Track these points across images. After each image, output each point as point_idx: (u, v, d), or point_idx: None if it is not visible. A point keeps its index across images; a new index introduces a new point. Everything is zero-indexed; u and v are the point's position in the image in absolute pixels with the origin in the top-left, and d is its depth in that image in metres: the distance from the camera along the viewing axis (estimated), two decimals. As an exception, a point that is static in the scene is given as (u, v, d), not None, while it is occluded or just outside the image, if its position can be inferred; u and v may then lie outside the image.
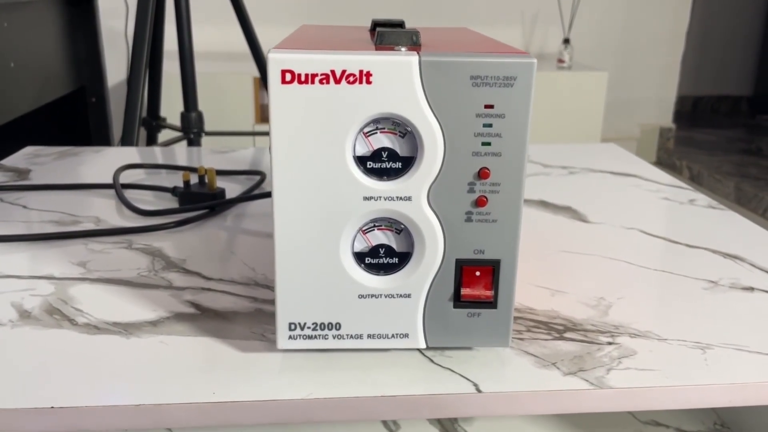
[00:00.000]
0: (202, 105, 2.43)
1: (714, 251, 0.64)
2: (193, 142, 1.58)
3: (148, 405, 0.40)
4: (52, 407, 0.40)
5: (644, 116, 3.28)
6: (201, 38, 2.78)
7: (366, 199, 0.41)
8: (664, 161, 3.25)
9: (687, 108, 4.11)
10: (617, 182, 0.85)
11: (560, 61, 2.87)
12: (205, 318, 0.50)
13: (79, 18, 1.90)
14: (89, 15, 1.91)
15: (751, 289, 0.56)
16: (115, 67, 2.60)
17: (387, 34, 0.42)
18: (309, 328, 0.44)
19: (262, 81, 1.66)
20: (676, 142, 3.38)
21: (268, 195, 0.75)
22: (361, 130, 0.40)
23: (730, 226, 0.70)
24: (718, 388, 0.43)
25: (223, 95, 2.51)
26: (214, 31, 2.78)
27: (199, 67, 2.62)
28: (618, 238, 0.67)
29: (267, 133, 1.70)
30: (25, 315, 0.50)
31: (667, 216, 0.73)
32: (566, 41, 2.87)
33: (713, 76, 4.08)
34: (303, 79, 0.38)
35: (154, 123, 1.65)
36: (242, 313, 0.51)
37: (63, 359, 0.44)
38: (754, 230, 0.69)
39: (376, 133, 0.40)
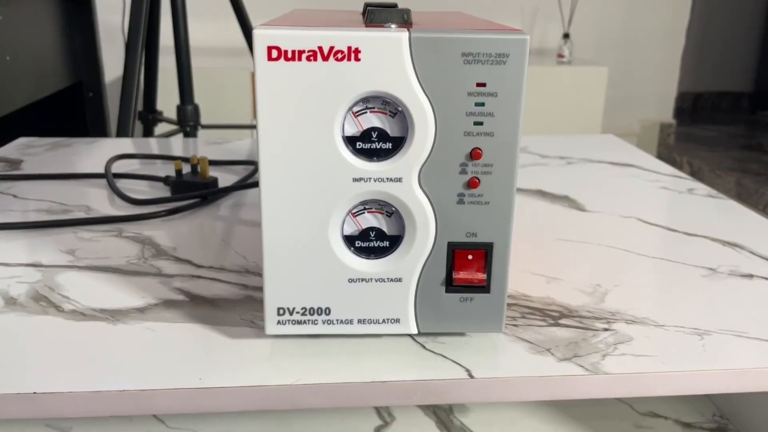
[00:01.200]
0: (200, 100, 2.42)
1: (713, 239, 0.63)
2: (190, 135, 1.57)
3: (133, 391, 0.39)
4: (35, 393, 0.39)
5: (644, 112, 3.27)
6: (199, 33, 2.77)
7: (355, 180, 0.40)
8: (664, 157, 3.24)
9: (688, 104, 4.10)
10: (615, 172, 0.84)
11: (560, 56, 2.86)
12: (194, 305, 0.49)
13: (76, 12, 1.89)
14: (86, 9, 1.90)
15: (751, 276, 0.55)
16: (112, 62, 2.59)
17: (377, 12, 0.41)
18: (298, 313, 0.43)
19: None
20: (676, 138, 3.36)
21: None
22: (350, 109, 0.39)
23: (730, 214, 0.69)
24: (715, 374, 0.42)
25: (221, 90, 2.50)
26: (211, 26, 2.77)
27: (197, 62, 2.61)
28: (616, 226, 0.66)
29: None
30: (10, 302, 0.49)
31: (666, 205, 0.72)
32: (566, 36, 2.86)
33: (714, 72, 4.06)
34: (290, 55, 0.37)
35: (150, 116, 1.64)
36: (232, 300, 0.50)
37: (47, 345, 0.44)
38: (754, 218, 0.68)
39: (366, 112, 0.39)
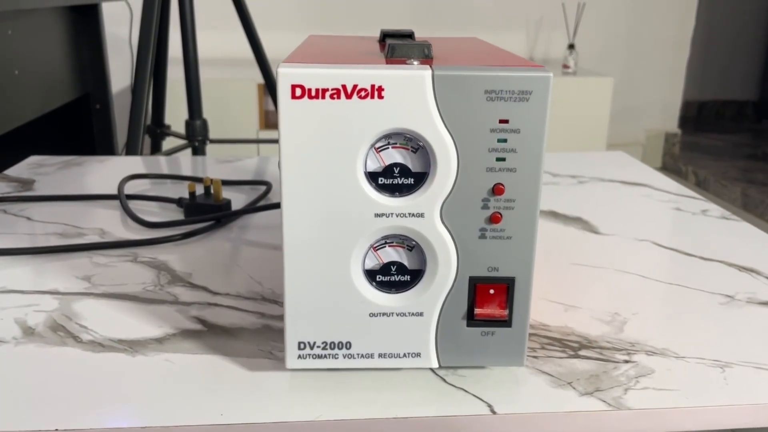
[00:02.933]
0: (207, 112, 2.42)
1: (729, 264, 0.63)
2: (198, 150, 1.57)
3: (156, 427, 0.39)
4: (56, 430, 0.39)
5: (649, 122, 3.27)
6: (205, 45, 2.78)
7: (377, 215, 0.40)
8: (669, 167, 3.24)
9: (692, 113, 4.10)
10: (628, 192, 0.84)
11: (565, 66, 2.86)
12: (211, 335, 0.49)
13: (84, 25, 1.89)
14: (94, 22, 1.91)
15: (769, 303, 0.55)
16: (120, 74, 2.60)
17: (398, 46, 0.41)
18: (319, 347, 0.42)
19: (267, 87, 1.66)
20: (681, 147, 3.36)
21: (275, 206, 0.74)
22: (373, 145, 0.39)
23: (744, 237, 0.69)
24: (739, 409, 0.42)
25: (228, 102, 2.51)
26: (218, 38, 2.78)
27: (204, 74, 2.62)
28: (630, 250, 0.66)
29: (272, 141, 1.69)
30: (29, 332, 0.49)
31: (680, 227, 0.72)
32: (571, 47, 2.86)
33: (718, 81, 4.06)
34: (313, 94, 0.37)
35: (158, 131, 1.65)
36: (249, 330, 0.50)
37: (67, 379, 0.43)
38: (769, 242, 0.68)
39: (388, 148, 0.39)
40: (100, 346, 0.48)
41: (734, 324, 0.51)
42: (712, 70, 4.03)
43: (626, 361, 0.46)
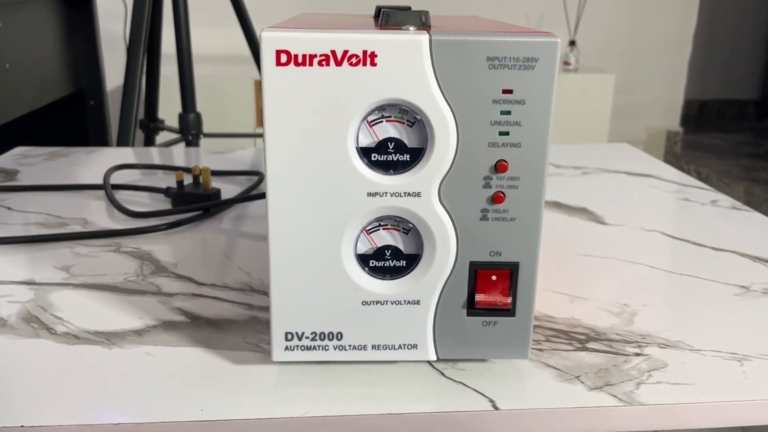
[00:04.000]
0: (203, 108, 2.39)
1: (742, 254, 0.60)
2: (192, 143, 1.54)
3: (128, 424, 0.36)
4: (22, 426, 0.36)
5: (651, 120, 3.24)
6: (202, 41, 2.75)
7: (370, 195, 0.37)
8: (671, 165, 3.21)
9: (693, 111, 4.07)
10: (633, 182, 0.81)
11: (566, 63, 2.83)
12: (195, 326, 0.46)
13: (78, 20, 1.86)
14: (88, 17, 1.88)
15: (787, 294, 0.52)
16: (114, 70, 2.57)
17: (393, 13, 0.38)
18: (307, 338, 0.39)
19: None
20: (683, 145, 3.33)
21: (264, 196, 0.71)
22: (365, 118, 0.36)
23: (756, 227, 0.66)
24: (761, 405, 0.39)
25: (224, 98, 2.48)
26: (215, 34, 2.75)
27: (200, 70, 2.59)
28: (638, 240, 0.63)
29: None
30: (0, 323, 0.46)
31: (689, 217, 0.69)
32: (572, 43, 2.83)
33: (720, 80, 4.04)
34: (300, 60, 0.34)
35: (151, 125, 1.61)
36: (236, 321, 0.47)
37: (37, 373, 0.40)
38: (783, 232, 0.65)
39: (382, 121, 0.36)
40: (75, 338, 0.45)
41: (751, 315, 0.48)
42: (714, 68, 4.01)
43: (637, 354, 0.43)
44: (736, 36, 3.95)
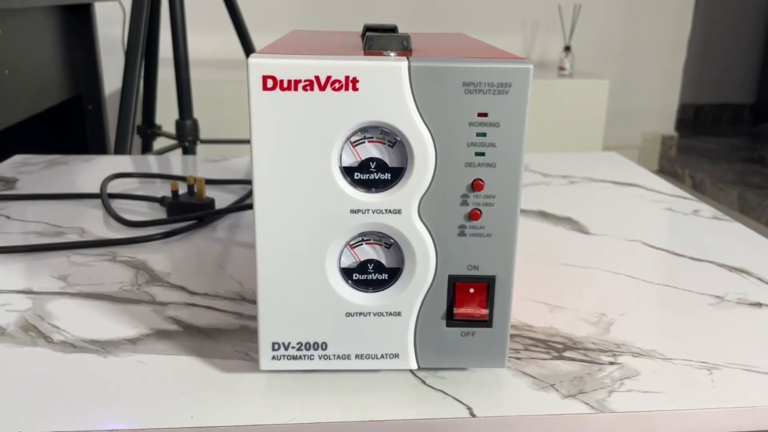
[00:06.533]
0: (200, 113, 2.41)
1: (720, 264, 0.61)
2: (188, 150, 1.56)
3: (122, 430, 0.38)
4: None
5: (646, 124, 3.26)
6: (199, 46, 2.77)
7: (353, 212, 0.39)
8: (666, 170, 3.23)
9: (689, 116, 4.09)
10: (619, 192, 0.83)
11: (561, 68, 2.85)
12: (187, 335, 0.48)
13: (76, 25, 1.88)
14: (86, 22, 1.90)
15: (759, 304, 0.54)
16: (113, 75, 2.59)
17: (376, 38, 0.40)
18: (293, 347, 0.41)
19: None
20: (678, 150, 3.35)
21: (259, 205, 0.73)
22: (348, 139, 0.38)
23: (736, 237, 0.68)
24: (726, 413, 0.40)
25: (220, 103, 2.50)
26: (212, 39, 2.77)
27: (198, 75, 2.61)
28: (620, 250, 0.65)
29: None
30: (-1, 332, 0.48)
31: (671, 227, 0.71)
32: (567, 49, 2.86)
33: (715, 84, 4.06)
34: (285, 85, 0.36)
35: (149, 131, 1.63)
36: (227, 331, 0.49)
37: (34, 380, 0.42)
38: (761, 242, 0.67)
39: (364, 142, 0.38)
40: (71, 346, 0.46)
41: (723, 325, 0.50)
42: (709, 73, 4.03)
43: (611, 363, 0.45)
44: (731, 40, 3.97)
